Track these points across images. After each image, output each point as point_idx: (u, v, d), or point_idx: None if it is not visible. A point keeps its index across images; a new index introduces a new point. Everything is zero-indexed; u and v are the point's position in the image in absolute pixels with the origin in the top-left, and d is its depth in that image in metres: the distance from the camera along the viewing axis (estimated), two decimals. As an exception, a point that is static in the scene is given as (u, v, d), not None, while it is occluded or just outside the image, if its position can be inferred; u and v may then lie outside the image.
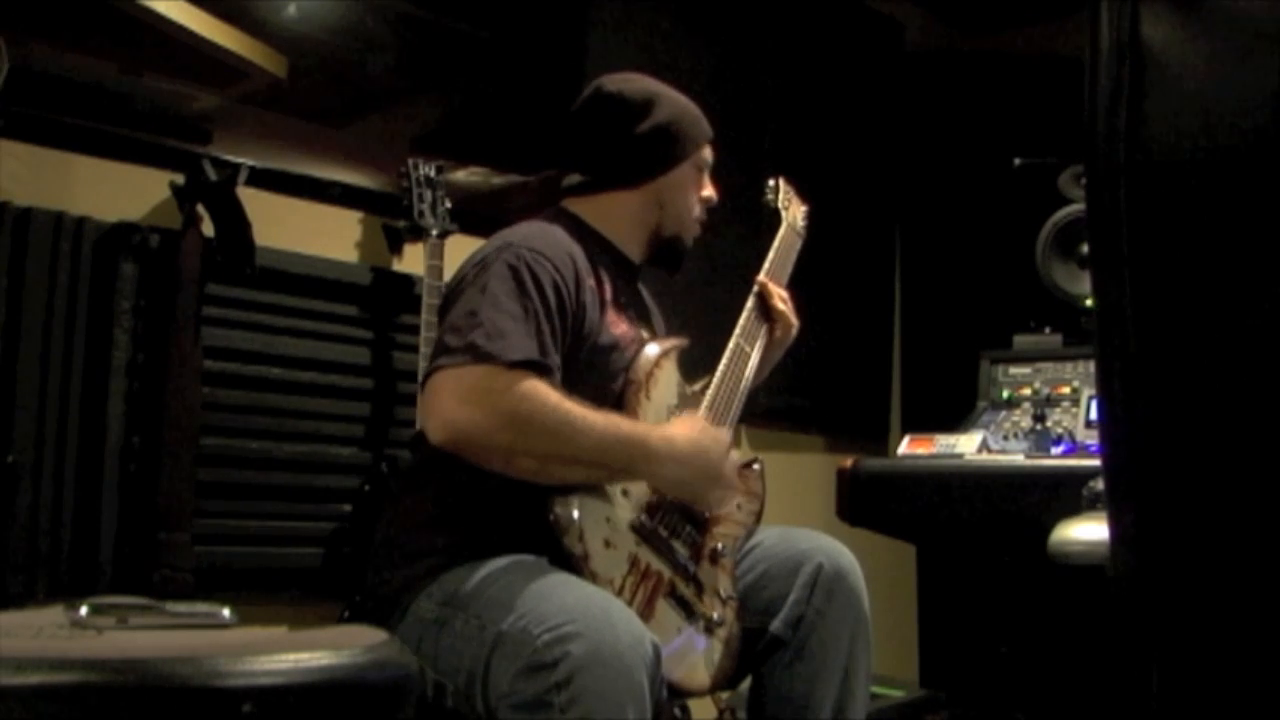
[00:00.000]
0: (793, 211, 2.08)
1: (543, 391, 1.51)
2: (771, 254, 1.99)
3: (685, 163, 1.81)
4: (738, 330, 1.85)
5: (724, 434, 1.69)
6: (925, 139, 3.67)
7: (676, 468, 1.60)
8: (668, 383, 1.73)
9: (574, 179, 1.83)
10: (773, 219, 2.06)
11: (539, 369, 1.53)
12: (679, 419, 1.67)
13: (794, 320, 1.94)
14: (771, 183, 2.10)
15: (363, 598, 1.96)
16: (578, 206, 1.82)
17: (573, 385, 1.58)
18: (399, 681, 1.01)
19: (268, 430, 2.10)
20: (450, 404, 1.51)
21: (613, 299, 1.74)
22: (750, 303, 1.89)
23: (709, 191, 1.86)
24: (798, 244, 2.06)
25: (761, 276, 1.93)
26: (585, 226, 1.78)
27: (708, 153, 1.85)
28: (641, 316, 1.81)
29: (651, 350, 1.72)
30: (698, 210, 1.85)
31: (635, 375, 1.68)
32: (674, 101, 1.82)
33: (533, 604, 1.39)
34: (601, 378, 1.67)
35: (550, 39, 2.70)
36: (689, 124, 1.82)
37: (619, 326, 1.73)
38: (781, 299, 1.93)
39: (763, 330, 1.90)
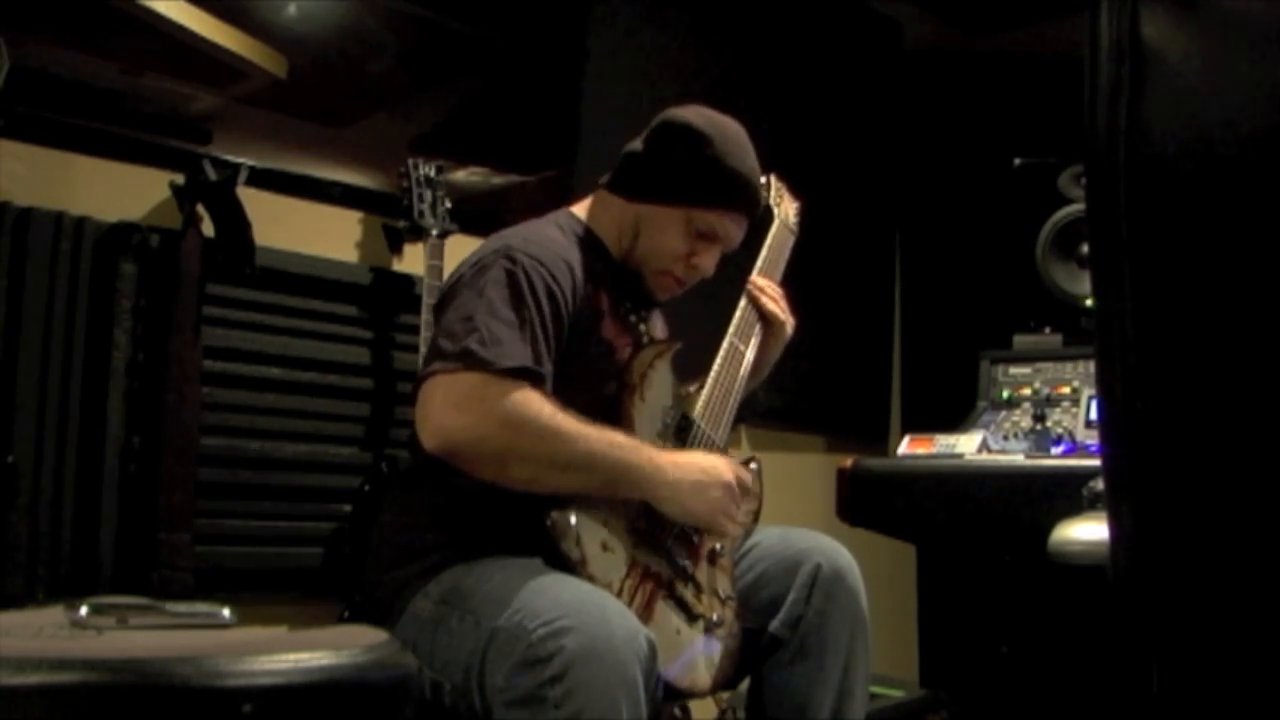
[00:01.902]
0: (784, 208, 2.07)
1: (535, 400, 1.51)
2: (764, 252, 1.98)
3: (672, 207, 1.73)
4: (731, 329, 1.84)
5: (725, 461, 1.69)
6: (925, 139, 3.67)
7: (674, 475, 1.59)
8: (662, 385, 1.72)
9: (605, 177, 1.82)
10: (765, 217, 2.05)
11: (532, 377, 1.53)
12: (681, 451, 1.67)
13: (787, 319, 1.92)
14: (763, 179, 2.10)
15: (362, 598, 1.96)
16: (582, 206, 1.83)
17: (568, 390, 1.58)
18: (399, 681, 1.01)
19: (268, 430, 2.10)
20: (443, 411, 1.51)
21: (609, 304, 1.74)
22: (744, 301, 1.89)
23: (698, 259, 1.76)
24: (790, 241, 2.05)
25: (754, 276, 1.93)
26: (585, 228, 1.78)
27: (713, 219, 1.74)
28: (639, 320, 1.81)
29: (645, 352, 1.72)
30: (674, 266, 1.76)
31: (629, 378, 1.68)
32: (715, 161, 1.71)
33: (527, 600, 1.39)
34: (597, 381, 1.67)
35: (550, 39, 2.70)
36: (706, 179, 1.72)
37: (615, 331, 1.73)
38: (773, 298, 1.92)
39: (758, 328, 1.89)
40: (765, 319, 1.90)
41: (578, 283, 1.66)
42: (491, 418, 1.49)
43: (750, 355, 1.85)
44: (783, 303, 1.93)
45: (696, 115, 1.75)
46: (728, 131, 1.76)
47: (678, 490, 1.59)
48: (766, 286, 1.92)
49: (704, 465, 1.63)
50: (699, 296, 1.96)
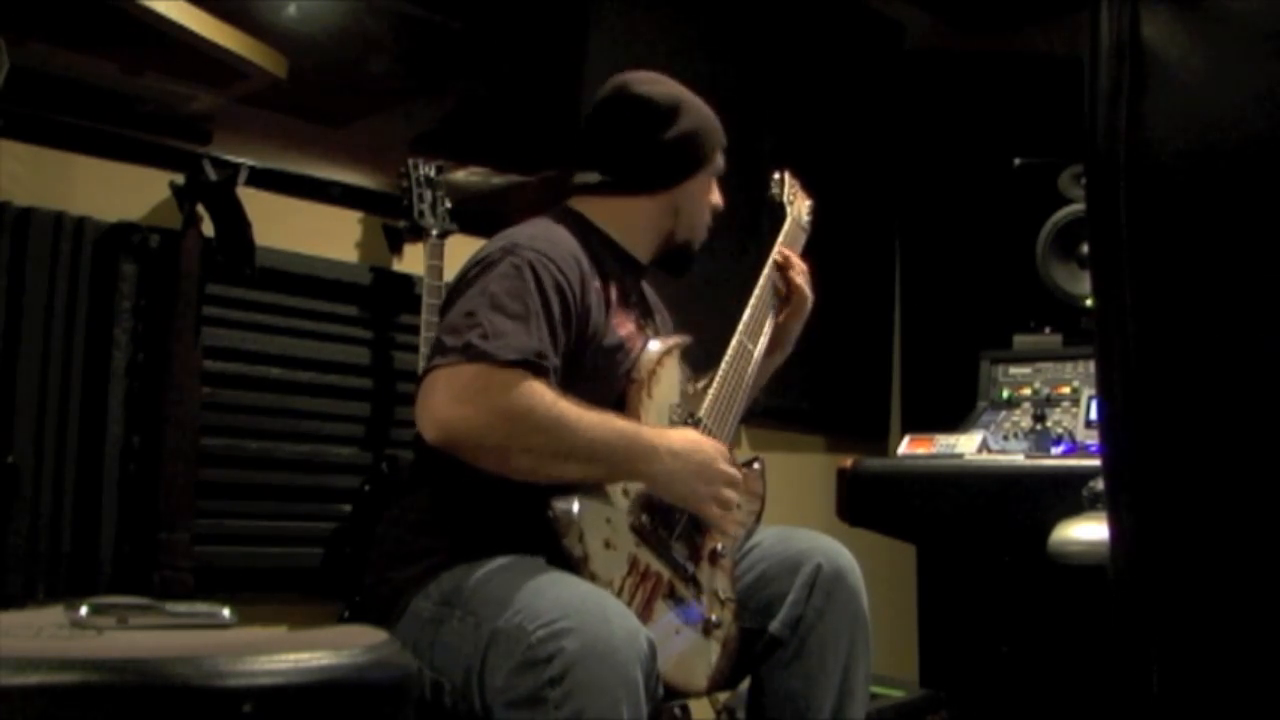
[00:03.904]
0: (798, 205, 2.07)
1: (537, 389, 1.50)
2: (776, 248, 1.98)
3: (703, 171, 1.83)
4: (740, 328, 1.84)
5: (722, 446, 1.69)
6: (925, 139, 3.67)
7: (672, 463, 1.59)
8: (670, 381, 1.72)
9: (589, 177, 1.80)
10: (777, 213, 2.05)
11: (534, 369, 1.52)
12: (679, 427, 1.67)
13: (807, 292, 1.96)
14: (776, 176, 2.09)
15: (362, 598, 1.96)
16: (585, 206, 1.81)
17: (579, 387, 1.57)
18: (399, 681, 1.01)
19: (268, 430, 2.11)
20: (443, 403, 1.50)
21: (618, 300, 1.73)
22: (751, 300, 1.89)
23: (718, 199, 1.87)
24: (802, 238, 2.05)
25: (766, 269, 1.94)
26: (591, 226, 1.77)
27: (721, 160, 1.85)
28: (647, 316, 1.81)
29: (654, 348, 1.71)
30: (708, 217, 1.87)
31: (637, 374, 1.68)
32: (697, 108, 1.82)
33: (528, 600, 1.39)
34: (607, 378, 1.67)
35: (550, 39, 2.70)
36: (709, 131, 1.82)
37: (625, 327, 1.73)
38: (801, 271, 1.96)
39: (767, 326, 1.89)
40: (777, 312, 1.93)
41: (586, 278, 1.66)
42: (492, 409, 1.49)
43: (758, 354, 1.86)
44: (806, 278, 1.98)
45: (651, 85, 1.80)
46: (674, 84, 1.83)
47: (667, 467, 1.59)
48: (793, 260, 1.96)
49: (689, 437, 1.64)
50: (705, 294, 1.96)
